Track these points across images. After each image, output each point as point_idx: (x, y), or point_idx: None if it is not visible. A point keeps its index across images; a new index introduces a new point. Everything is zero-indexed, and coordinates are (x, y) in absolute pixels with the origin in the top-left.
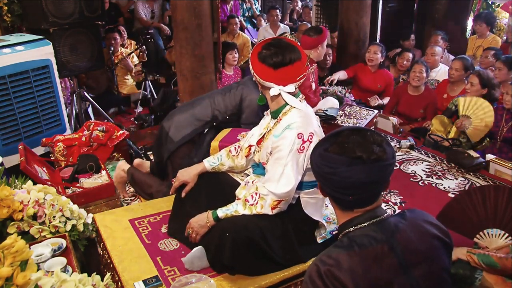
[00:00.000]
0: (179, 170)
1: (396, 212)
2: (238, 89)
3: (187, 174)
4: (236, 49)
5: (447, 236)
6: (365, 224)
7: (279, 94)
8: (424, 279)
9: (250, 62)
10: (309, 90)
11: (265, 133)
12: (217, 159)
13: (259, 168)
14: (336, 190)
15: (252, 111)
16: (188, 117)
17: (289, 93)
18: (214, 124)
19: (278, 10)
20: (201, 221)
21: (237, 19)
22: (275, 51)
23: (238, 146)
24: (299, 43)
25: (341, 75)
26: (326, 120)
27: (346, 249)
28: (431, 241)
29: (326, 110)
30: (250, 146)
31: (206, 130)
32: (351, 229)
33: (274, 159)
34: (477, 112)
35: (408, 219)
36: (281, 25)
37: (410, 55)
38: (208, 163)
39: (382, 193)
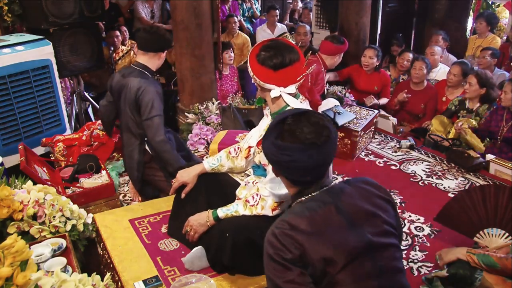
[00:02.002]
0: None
1: (341, 182)
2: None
3: (187, 175)
4: (232, 48)
5: (387, 194)
6: (316, 193)
7: (280, 95)
8: (372, 234)
9: (248, 65)
10: (306, 90)
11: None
12: (216, 160)
13: (260, 169)
14: (294, 173)
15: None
16: None
17: (289, 94)
18: None
19: (277, 10)
20: (200, 220)
21: (235, 18)
22: (274, 53)
23: (238, 148)
24: (296, 45)
25: (331, 76)
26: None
27: (298, 214)
28: (374, 200)
29: (339, 113)
30: (249, 147)
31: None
32: (303, 198)
33: None
34: (473, 138)
35: (352, 183)
36: (279, 25)
37: (410, 55)
38: (208, 164)
39: None
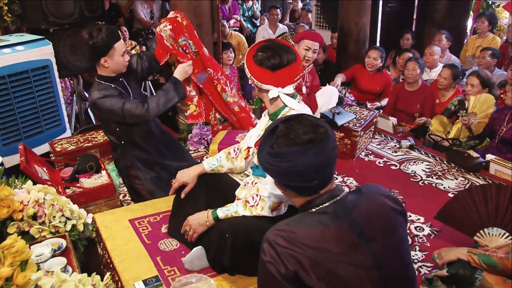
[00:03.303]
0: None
1: (353, 190)
2: None
3: (187, 175)
4: (231, 48)
5: (401, 205)
6: (326, 204)
7: (278, 96)
8: (384, 249)
9: (246, 66)
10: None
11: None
12: (216, 161)
13: (259, 170)
14: (299, 180)
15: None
16: None
17: (287, 94)
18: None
19: (278, 10)
20: (200, 220)
21: (225, 21)
22: (272, 53)
23: (238, 148)
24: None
25: (341, 78)
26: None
27: (306, 225)
28: (388, 213)
29: (339, 113)
30: (248, 148)
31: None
32: (313, 210)
33: None
34: (482, 107)
35: (365, 194)
36: (280, 25)
37: (410, 55)
38: (208, 165)
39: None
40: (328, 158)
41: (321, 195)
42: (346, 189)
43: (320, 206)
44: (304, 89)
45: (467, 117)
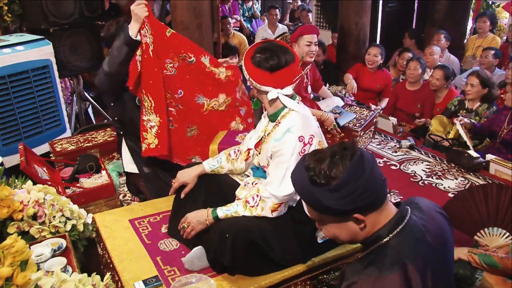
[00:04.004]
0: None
1: (410, 205)
2: None
3: (187, 175)
4: (237, 54)
5: (451, 222)
6: (397, 231)
7: (277, 97)
8: (440, 265)
9: (244, 68)
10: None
11: (263, 136)
12: (216, 162)
13: (259, 171)
14: (368, 197)
15: None
16: None
17: (286, 95)
18: None
19: (278, 10)
20: (199, 218)
21: (230, 19)
22: (270, 55)
23: (238, 150)
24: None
25: (351, 79)
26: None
27: (391, 271)
28: (445, 234)
29: (340, 113)
30: (248, 149)
31: None
32: (387, 238)
33: (275, 162)
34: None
35: (426, 213)
36: (280, 25)
37: (410, 55)
38: (208, 165)
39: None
40: (372, 164)
41: (388, 221)
42: (405, 208)
43: (390, 235)
44: (309, 89)
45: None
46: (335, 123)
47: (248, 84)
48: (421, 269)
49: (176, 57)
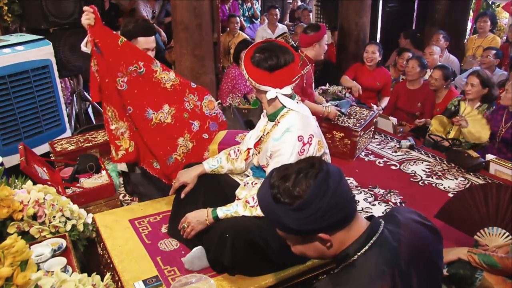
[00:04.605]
0: None
1: (386, 218)
2: None
3: (187, 175)
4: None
5: (436, 231)
6: (368, 245)
7: (276, 97)
8: (421, 279)
9: (243, 68)
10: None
11: (262, 136)
12: (216, 162)
13: (259, 171)
14: (334, 214)
15: None
16: None
17: (285, 95)
18: None
19: (277, 10)
20: (199, 217)
21: (237, 18)
22: (269, 54)
23: (238, 150)
24: (295, 44)
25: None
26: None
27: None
28: (427, 245)
29: (337, 105)
30: (248, 149)
31: None
32: (355, 257)
33: (275, 162)
34: (475, 124)
35: (403, 225)
36: (279, 25)
37: (410, 55)
38: (208, 166)
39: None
40: (339, 176)
41: (359, 236)
42: (377, 218)
43: (362, 251)
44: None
45: (459, 119)
46: (339, 113)
47: (247, 83)
48: (391, 287)
49: (125, 70)
